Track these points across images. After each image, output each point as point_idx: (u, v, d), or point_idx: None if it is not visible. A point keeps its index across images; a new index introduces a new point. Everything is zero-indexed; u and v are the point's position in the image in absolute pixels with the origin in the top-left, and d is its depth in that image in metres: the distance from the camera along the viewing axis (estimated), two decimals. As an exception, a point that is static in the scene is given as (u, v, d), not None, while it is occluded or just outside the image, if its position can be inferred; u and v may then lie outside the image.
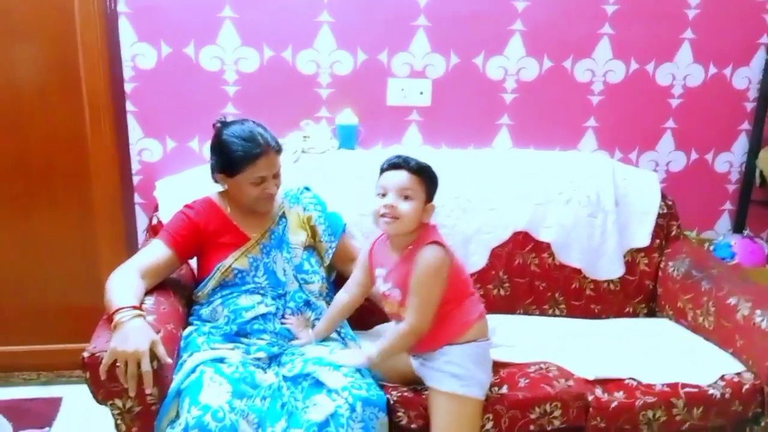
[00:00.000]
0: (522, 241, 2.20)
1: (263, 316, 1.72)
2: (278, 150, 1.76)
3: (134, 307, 1.52)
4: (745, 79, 2.51)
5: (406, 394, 1.66)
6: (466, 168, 2.23)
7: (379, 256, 1.68)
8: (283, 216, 1.87)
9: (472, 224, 2.18)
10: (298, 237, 1.86)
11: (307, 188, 1.98)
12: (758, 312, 1.84)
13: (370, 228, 2.08)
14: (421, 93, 2.36)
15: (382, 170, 1.63)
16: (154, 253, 1.73)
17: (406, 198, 1.58)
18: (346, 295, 1.75)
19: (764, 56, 2.48)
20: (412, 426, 1.63)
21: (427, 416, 1.62)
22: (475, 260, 2.17)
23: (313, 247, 1.91)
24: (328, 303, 1.86)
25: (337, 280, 2.01)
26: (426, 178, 1.62)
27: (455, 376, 1.58)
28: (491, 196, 2.20)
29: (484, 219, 2.18)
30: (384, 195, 1.59)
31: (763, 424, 1.82)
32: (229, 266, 1.75)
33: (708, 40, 2.44)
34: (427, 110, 2.39)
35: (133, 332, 1.45)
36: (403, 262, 1.60)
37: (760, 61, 2.49)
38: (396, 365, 1.69)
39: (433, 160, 2.21)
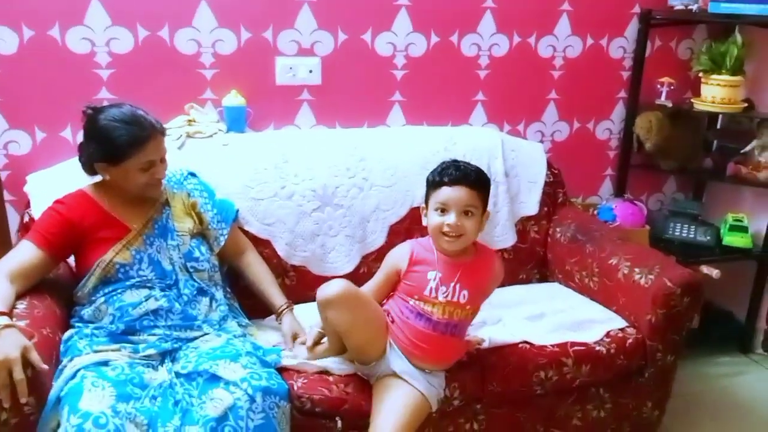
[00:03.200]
0: (419, 216, 2.19)
1: (154, 311, 1.64)
2: (163, 132, 1.69)
3: (1, 314, 1.41)
4: (620, 48, 2.63)
5: (311, 378, 1.65)
6: (361, 146, 2.21)
7: (426, 261, 1.66)
8: (167, 203, 1.78)
9: (369, 202, 2.17)
10: (184, 224, 1.78)
11: (192, 173, 1.90)
12: (637, 270, 1.96)
13: (266, 212, 2.05)
14: (311, 71, 2.31)
15: (438, 183, 1.61)
16: (23, 254, 1.60)
17: (469, 214, 1.58)
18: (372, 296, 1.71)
19: (637, 26, 2.60)
20: (317, 410, 1.61)
21: (331, 399, 1.62)
22: (374, 238, 2.17)
23: (201, 234, 1.83)
24: (222, 289, 1.81)
25: (229, 271, 1.95)
26: (484, 189, 1.63)
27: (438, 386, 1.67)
28: (387, 174, 2.20)
29: (381, 196, 2.18)
30: (443, 211, 1.59)
31: (647, 375, 1.95)
32: (110, 261, 1.64)
33: (585, 12, 2.53)
34: (319, 89, 2.34)
35: (1, 340, 1.34)
36: (471, 266, 1.64)
37: (633, 31, 2.61)
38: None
39: (327, 140, 2.23)
